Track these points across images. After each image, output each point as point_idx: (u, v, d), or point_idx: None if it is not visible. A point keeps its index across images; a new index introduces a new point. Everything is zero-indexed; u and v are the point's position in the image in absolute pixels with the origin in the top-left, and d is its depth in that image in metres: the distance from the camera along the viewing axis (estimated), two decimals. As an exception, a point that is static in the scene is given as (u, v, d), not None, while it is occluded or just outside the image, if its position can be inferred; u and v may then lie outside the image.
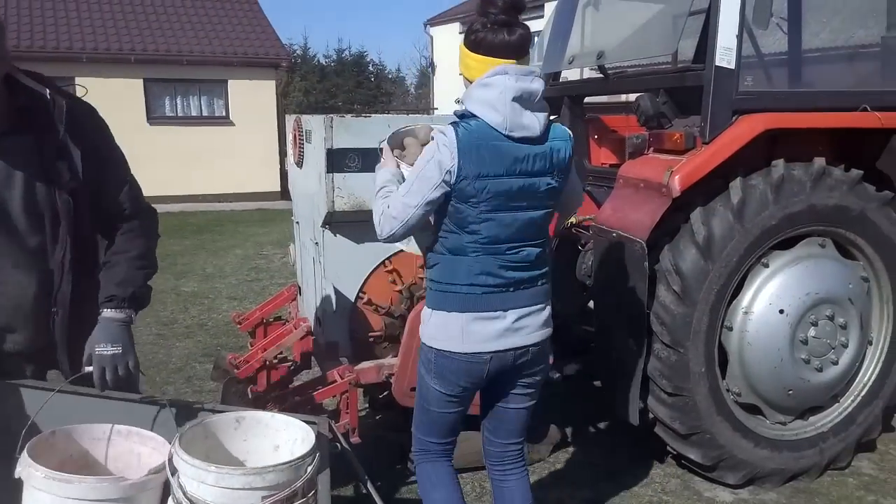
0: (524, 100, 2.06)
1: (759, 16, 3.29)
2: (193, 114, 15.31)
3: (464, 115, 2.10)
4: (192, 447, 1.84)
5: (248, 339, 4.05)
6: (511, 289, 2.16)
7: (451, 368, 2.20)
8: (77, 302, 2.05)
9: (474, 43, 2.09)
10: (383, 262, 3.20)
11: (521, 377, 2.30)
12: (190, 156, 14.57)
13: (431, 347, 2.22)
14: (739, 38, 3.07)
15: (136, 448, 1.98)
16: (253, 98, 15.32)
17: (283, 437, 2.06)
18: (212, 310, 6.40)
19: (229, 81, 15.24)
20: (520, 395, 2.34)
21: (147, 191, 2.27)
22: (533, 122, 2.08)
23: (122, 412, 2.03)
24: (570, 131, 2.23)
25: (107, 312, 2.02)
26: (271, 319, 4.00)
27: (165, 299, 6.69)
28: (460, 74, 2.17)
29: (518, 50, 2.08)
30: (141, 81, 14.49)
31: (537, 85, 2.08)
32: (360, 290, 3.24)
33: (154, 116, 14.76)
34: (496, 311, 2.15)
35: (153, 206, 2.26)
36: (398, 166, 2.28)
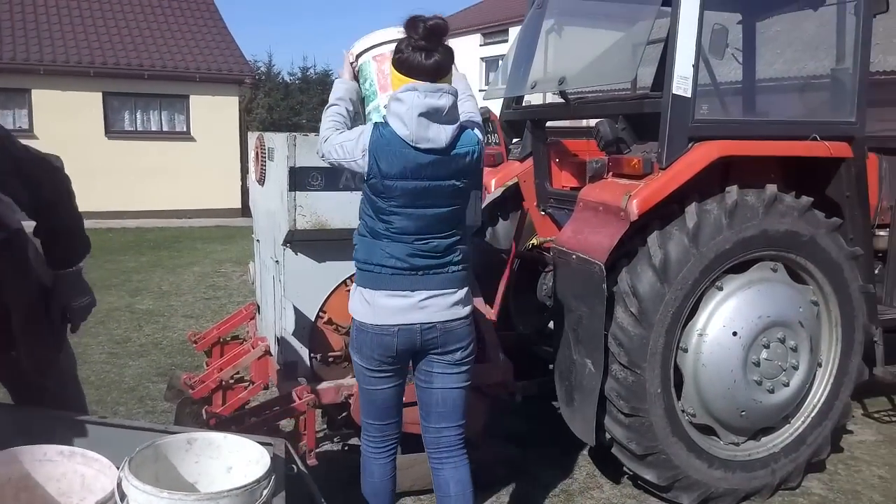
0: (430, 115, 2.28)
1: (715, 46, 3.40)
2: (153, 128, 15.10)
3: (385, 123, 2.37)
4: (142, 470, 1.80)
5: (205, 358, 3.98)
6: (419, 273, 2.39)
7: (366, 342, 2.44)
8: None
9: (397, 62, 2.34)
10: (344, 282, 3.19)
11: (436, 354, 2.47)
12: (148, 171, 14.33)
13: (354, 321, 2.48)
14: (696, 67, 3.16)
15: (80, 469, 1.92)
16: (215, 114, 15.17)
17: (236, 459, 2.03)
18: (167, 328, 6.27)
19: (191, 96, 15.08)
20: (441, 375, 2.50)
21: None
22: (438, 134, 2.31)
23: (71, 432, 1.98)
24: (479, 136, 2.47)
25: (64, 270, 2.22)
26: (228, 338, 3.94)
27: (119, 317, 6.53)
28: None
29: (432, 73, 2.30)
30: (100, 95, 14.25)
31: (444, 101, 2.30)
32: (321, 310, 3.21)
33: (112, 130, 14.51)
34: (403, 290, 2.39)
35: (87, 220, 2.32)
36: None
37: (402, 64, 2.32)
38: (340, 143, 2.39)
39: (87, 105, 14.01)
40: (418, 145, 2.28)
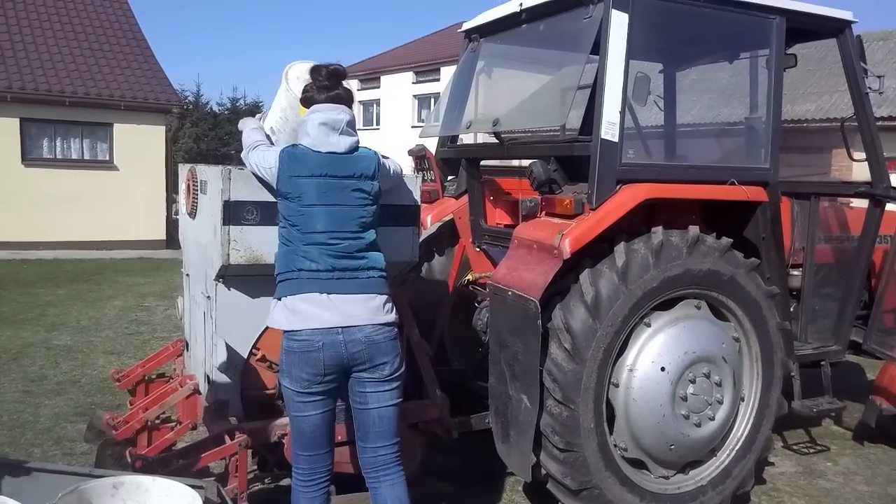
0: (329, 125, 2.65)
1: (638, 93, 3.56)
2: (74, 156, 14.52)
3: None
4: (65, 517, 1.71)
5: (128, 397, 3.81)
6: (334, 276, 2.54)
7: (294, 362, 2.50)
8: None
9: (304, 101, 2.76)
10: (278, 318, 3.13)
11: (365, 372, 2.56)
12: (67, 200, 13.75)
13: (282, 346, 2.54)
14: (622, 114, 3.31)
15: (-5, 519, 1.81)
16: (140, 143, 14.74)
17: (165, 503, 1.95)
18: (86, 365, 5.97)
19: (115, 125, 14.62)
20: (375, 393, 2.57)
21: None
22: (337, 142, 2.66)
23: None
24: (374, 151, 2.79)
25: None
26: (154, 376, 3.80)
27: (34, 353, 6.19)
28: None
29: (345, 102, 2.73)
30: (17, 121, 13.65)
31: (341, 115, 2.68)
32: (254, 347, 3.15)
33: (30, 158, 13.88)
34: (320, 293, 2.52)
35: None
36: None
37: (308, 101, 2.73)
38: (262, 151, 2.77)
39: (2, 131, 13.40)
40: (320, 149, 2.62)
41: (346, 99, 2.74)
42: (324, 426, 2.59)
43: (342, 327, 2.51)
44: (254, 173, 2.83)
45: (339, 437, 3.02)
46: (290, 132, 3.10)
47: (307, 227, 2.57)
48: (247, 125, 3.04)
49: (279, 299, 2.58)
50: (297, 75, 3.10)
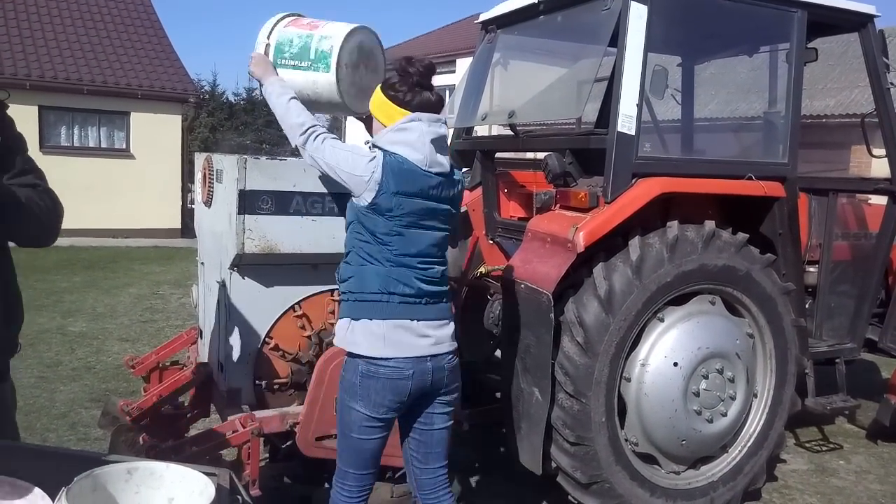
0: (437, 142, 2.41)
1: (656, 86, 3.54)
2: (91, 144, 14.64)
3: (384, 152, 2.37)
4: (79, 501, 1.72)
5: (142, 383, 3.85)
6: (422, 301, 2.40)
7: (376, 388, 2.35)
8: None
9: (402, 102, 2.41)
10: (293, 307, 3.15)
11: (439, 395, 2.48)
12: (84, 188, 13.85)
13: (358, 358, 2.37)
14: (639, 107, 3.28)
15: (7, 498, 1.83)
16: (156, 132, 14.83)
17: (178, 490, 1.96)
18: (101, 352, 6.04)
19: (132, 113, 14.71)
20: (441, 415, 2.52)
21: None
22: (445, 160, 2.44)
23: None
24: (459, 169, 2.67)
25: None
26: (168, 363, 3.83)
27: (50, 339, 6.26)
28: (371, 117, 2.53)
29: (437, 107, 2.44)
30: (36, 109, 13.76)
31: (444, 130, 2.46)
32: (267, 335, 3.16)
33: (48, 145, 14.00)
34: (411, 319, 2.37)
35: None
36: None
37: (397, 100, 2.41)
38: (345, 152, 2.41)
39: (21, 119, 13.47)
40: (430, 169, 2.37)
41: (440, 104, 2.46)
42: (382, 446, 2.51)
43: (431, 355, 2.41)
44: (319, 167, 2.52)
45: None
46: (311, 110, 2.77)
47: (401, 248, 2.36)
48: (274, 89, 2.66)
49: (358, 320, 2.38)
50: (352, 47, 2.79)
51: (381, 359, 2.34)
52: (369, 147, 2.46)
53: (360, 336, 2.37)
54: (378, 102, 2.46)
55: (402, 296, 2.36)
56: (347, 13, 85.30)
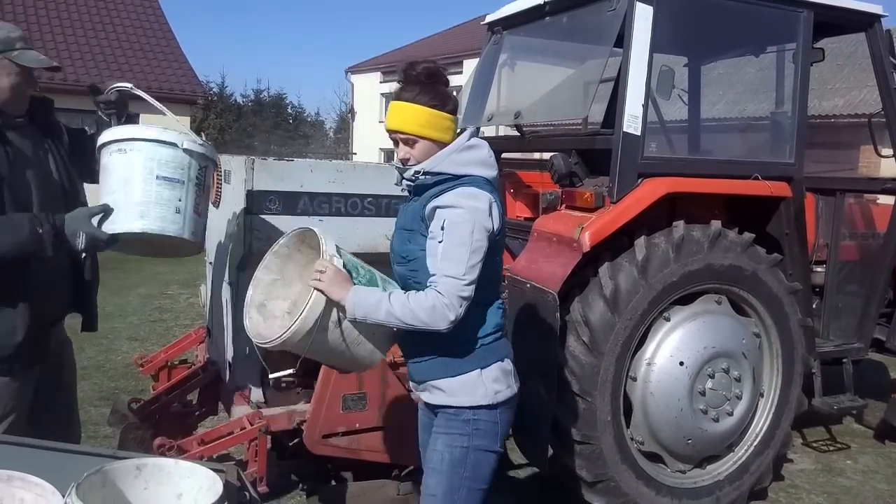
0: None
1: (662, 87, 3.54)
2: (101, 146, 14.75)
3: (454, 178, 2.03)
4: (89, 497, 1.75)
5: (151, 382, 3.88)
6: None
7: (505, 420, 2.16)
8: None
9: (455, 107, 2.09)
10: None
11: None
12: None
13: (496, 405, 2.10)
14: (645, 107, 3.29)
15: (18, 493, 1.85)
16: (166, 134, 14.92)
17: (187, 486, 1.98)
18: (110, 350, 6.08)
19: (141, 115, 14.74)
20: None
21: None
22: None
23: (9, 456, 1.90)
24: None
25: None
26: (177, 362, 3.86)
27: (59, 339, 6.31)
28: (420, 137, 2.06)
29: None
30: (46, 110, 13.89)
31: None
32: (274, 335, 3.18)
33: (57, 147, 14.13)
34: (509, 353, 2.21)
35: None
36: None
37: (446, 108, 2.06)
38: (462, 269, 1.93)
39: (31, 120, 13.65)
40: (496, 186, 2.12)
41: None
42: None
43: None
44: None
45: (359, 425, 3.06)
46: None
47: (496, 280, 2.18)
48: (368, 301, 1.98)
49: (488, 367, 2.09)
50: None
51: (513, 397, 2.16)
52: (419, 175, 2.05)
53: (497, 382, 2.10)
54: (426, 119, 2.03)
55: (502, 331, 2.17)
56: (355, 17, 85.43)
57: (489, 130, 5.05)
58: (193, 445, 2.95)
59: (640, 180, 3.29)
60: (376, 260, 3.21)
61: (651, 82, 3.33)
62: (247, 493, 2.13)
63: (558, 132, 5.05)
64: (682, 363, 3.31)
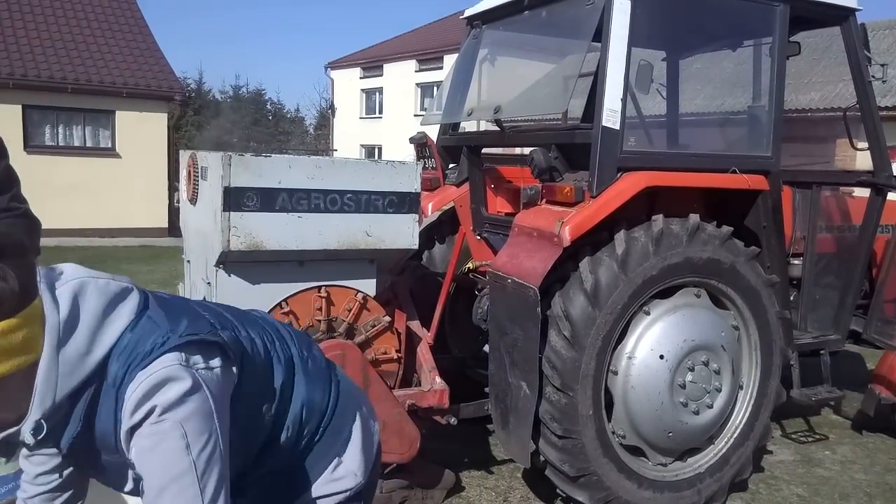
0: None
1: (641, 81, 3.55)
2: (76, 143, 14.53)
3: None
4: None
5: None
6: None
7: None
8: None
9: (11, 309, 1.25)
10: (280, 304, 3.14)
11: None
12: (70, 187, 13.77)
13: None
14: (624, 101, 3.30)
15: None
16: (142, 130, 14.74)
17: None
18: (88, 352, 5.99)
19: (117, 112, 14.62)
20: None
21: None
22: None
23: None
24: None
25: None
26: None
27: (35, 340, 6.20)
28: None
29: None
30: (19, 108, 13.64)
31: None
32: (254, 333, 3.15)
33: (32, 145, 13.88)
34: None
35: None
36: None
37: None
38: None
39: (5, 118, 13.39)
40: None
41: None
42: None
43: None
44: None
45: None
46: None
47: None
48: None
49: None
50: None
51: None
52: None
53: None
54: None
55: None
56: (334, 9, 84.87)
57: (469, 126, 5.04)
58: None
59: (619, 174, 3.30)
60: (357, 256, 3.20)
61: (630, 77, 3.34)
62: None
63: (538, 127, 5.05)
64: (662, 356, 3.33)
